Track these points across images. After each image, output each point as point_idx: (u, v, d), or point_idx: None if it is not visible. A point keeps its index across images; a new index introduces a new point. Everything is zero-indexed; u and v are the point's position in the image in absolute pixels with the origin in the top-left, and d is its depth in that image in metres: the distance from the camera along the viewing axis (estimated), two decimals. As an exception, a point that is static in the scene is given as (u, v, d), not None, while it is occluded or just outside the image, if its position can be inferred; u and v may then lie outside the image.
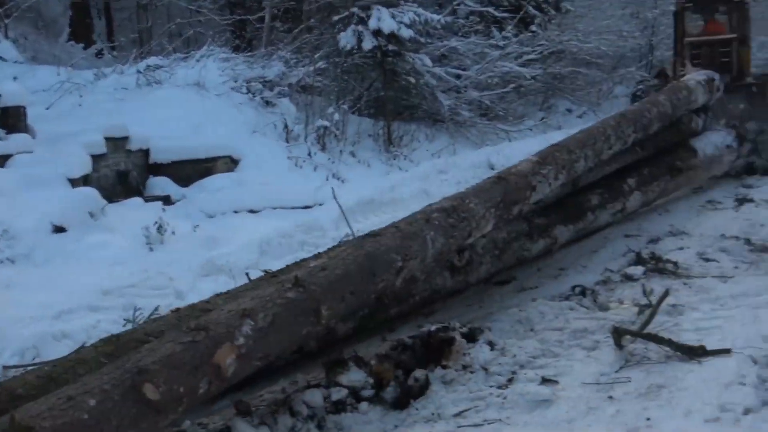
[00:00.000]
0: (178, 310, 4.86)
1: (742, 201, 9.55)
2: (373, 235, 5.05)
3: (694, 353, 4.68)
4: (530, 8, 22.96)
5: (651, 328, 5.10)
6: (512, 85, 21.51)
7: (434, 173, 13.80)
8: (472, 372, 4.78)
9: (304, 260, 5.51)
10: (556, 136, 18.34)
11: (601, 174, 8.31)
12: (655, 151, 9.26)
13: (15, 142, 11.03)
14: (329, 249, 5.50)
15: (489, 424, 4.17)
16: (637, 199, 8.74)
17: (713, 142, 10.30)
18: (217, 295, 5.09)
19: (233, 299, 4.41)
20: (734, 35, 13.18)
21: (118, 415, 3.14)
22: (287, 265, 5.51)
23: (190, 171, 12.40)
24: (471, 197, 5.81)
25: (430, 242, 5.22)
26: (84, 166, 11.05)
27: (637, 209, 8.90)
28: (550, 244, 7.32)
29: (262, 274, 5.60)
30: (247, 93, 15.48)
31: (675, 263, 6.84)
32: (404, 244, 4.98)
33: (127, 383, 3.21)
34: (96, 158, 11.43)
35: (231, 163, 12.93)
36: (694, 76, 10.58)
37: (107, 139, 11.78)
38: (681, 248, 7.52)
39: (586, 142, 7.49)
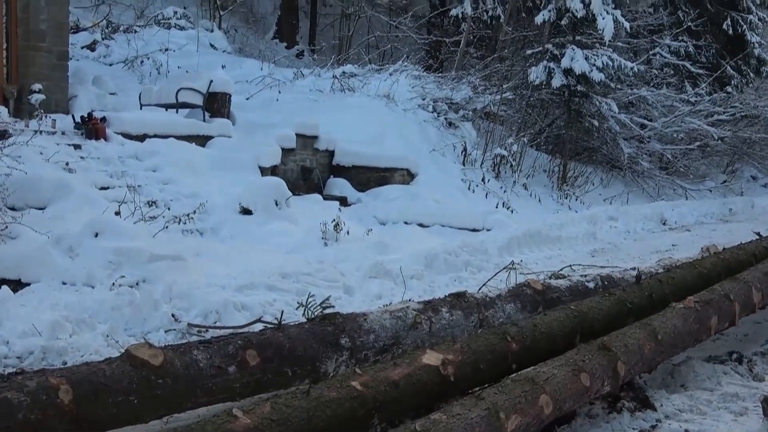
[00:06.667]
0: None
1: None
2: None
3: None
4: (729, 68, 22.39)
5: (806, 407, 5.07)
6: (698, 143, 21.03)
7: (604, 218, 13.74)
8: (618, 412, 4.92)
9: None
10: (736, 202, 17.95)
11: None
12: None
13: (217, 125, 12.01)
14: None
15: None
16: None
17: None
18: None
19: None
20: None
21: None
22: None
23: (368, 177, 13.06)
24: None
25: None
26: (274, 157, 11.87)
27: None
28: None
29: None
30: (432, 112, 16.00)
31: None
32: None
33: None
34: (285, 151, 12.26)
35: (408, 176, 13.44)
36: None
37: (298, 135, 12.60)
38: None
39: None
